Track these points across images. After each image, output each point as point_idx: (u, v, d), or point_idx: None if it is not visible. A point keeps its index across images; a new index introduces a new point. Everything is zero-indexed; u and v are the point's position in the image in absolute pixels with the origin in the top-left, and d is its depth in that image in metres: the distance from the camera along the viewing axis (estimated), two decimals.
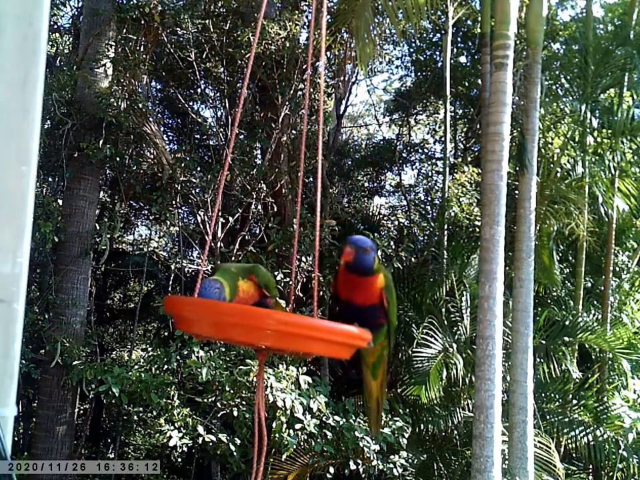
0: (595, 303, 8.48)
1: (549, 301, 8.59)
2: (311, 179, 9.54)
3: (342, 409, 6.49)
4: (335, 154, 11.06)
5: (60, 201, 7.73)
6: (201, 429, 6.21)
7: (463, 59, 12.06)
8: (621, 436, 6.70)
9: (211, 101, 8.99)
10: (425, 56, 12.31)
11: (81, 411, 9.98)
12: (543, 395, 7.30)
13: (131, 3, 7.81)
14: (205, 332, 1.52)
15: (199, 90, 8.94)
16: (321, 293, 7.68)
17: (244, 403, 6.26)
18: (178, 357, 6.37)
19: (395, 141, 13.13)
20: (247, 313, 1.43)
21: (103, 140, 7.38)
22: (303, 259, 7.57)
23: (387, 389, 8.43)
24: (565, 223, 7.44)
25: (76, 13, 10.45)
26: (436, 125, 13.66)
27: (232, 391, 6.17)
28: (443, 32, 10.22)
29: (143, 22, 7.40)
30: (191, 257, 10.02)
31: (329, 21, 7.48)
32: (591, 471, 7.71)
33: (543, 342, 7.16)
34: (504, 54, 5.54)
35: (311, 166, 8.42)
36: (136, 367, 7.07)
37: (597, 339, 7.25)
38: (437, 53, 11.94)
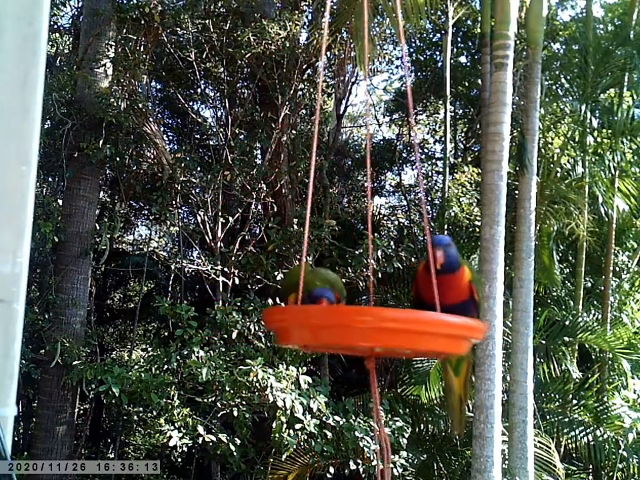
0: (595, 303, 8.48)
1: (549, 301, 8.59)
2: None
3: (342, 408, 6.49)
4: (335, 154, 11.05)
5: (60, 201, 7.73)
6: (201, 429, 6.21)
7: (463, 59, 12.06)
8: (620, 436, 6.70)
9: (210, 101, 8.99)
10: (425, 56, 12.31)
11: (81, 411, 9.98)
12: (543, 394, 7.30)
13: (131, 2, 7.81)
14: (308, 341, 1.41)
15: (198, 90, 8.94)
16: None
17: (244, 402, 6.26)
18: (178, 357, 6.37)
19: (395, 141, 13.13)
20: (335, 312, 1.35)
21: (103, 140, 7.38)
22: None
23: (387, 388, 8.45)
24: (565, 222, 7.44)
25: (76, 13, 10.46)
26: (436, 124, 13.66)
27: (232, 391, 6.16)
28: (443, 32, 10.22)
29: (142, 22, 7.40)
30: (191, 257, 10.01)
31: (329, 20, 7.47)
32: (590, 470, 7.71)
33: (543, 342, 7.16)
34: (504, 54, 5.54)
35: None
36: (136, 366, 7.07)
37: (597, 339, 7.26)
38: (437, 53, 11.95)
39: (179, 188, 7.74)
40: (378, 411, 1.80)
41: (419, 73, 12.49)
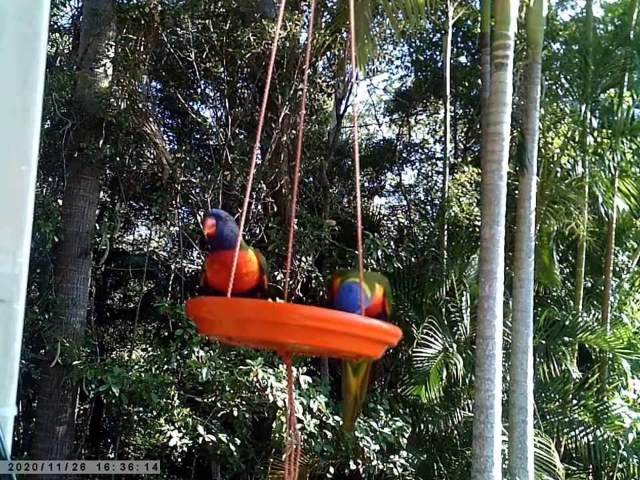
0: (595, 303, 8.48)
1: (549, 301, 8.59)
2: (311, 178, 9.53)
3: (342, 408, 6.49)
4: (335, 154, 11.05)
5: (60, 201, 7.73)
6: (201, 429, 6.21)
7: (463, 59, 12.06)
8: (620, 436, 6.70)
9: (210, 101, 8.99)
10: (425, 56, 12.31)
11: (81, 411, 9.98)
12: (543, 394, 7.30)
13: (131, 2, 7.82)
14: (227, 332, 1.41)
15: (198, 90, 8.95)
16: (321, 292, 7.68)
17: (244, 402, 6.26)
18: (178, 357, 6.37)
19: (395, 141, 13.13)
20: (269, 308, 1.36)
21: (103, 140, 7.38)
22: (303, 259, 7.57)
23: (387, 388, 8.44)
24: (565, 222, 7.44)
25: (76, 13, 10.45)
26: (436, 124, 13.66)
27: (232, 391, 6.17)
28: (442, 32, 10.22)
29: (143, 22, 7.41)
30: (191, 257, 10.03)
31: (329, 20, 7.48)
32: (590, 470, 7.71)
33: (543, 342, 7.16)
34: (504, 54, 5.54)
35: (311, 166, 8.42)
36: (136, 366, 7.07)
37: (597, 339, 7.25)
38: (437, 53, 11.94)
39: (179, 188, 7.74)
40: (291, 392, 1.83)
41: (419, 73, 12.49)
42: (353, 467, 6.21)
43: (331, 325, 1.28)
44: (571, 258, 9.14)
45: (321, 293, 7.57)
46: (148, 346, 11.66)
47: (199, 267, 7.69)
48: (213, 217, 1.71)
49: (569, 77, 7.85)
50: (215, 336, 1.51)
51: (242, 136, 8.13)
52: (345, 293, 1.67)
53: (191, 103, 9.31)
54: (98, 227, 7.82)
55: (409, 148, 12.97)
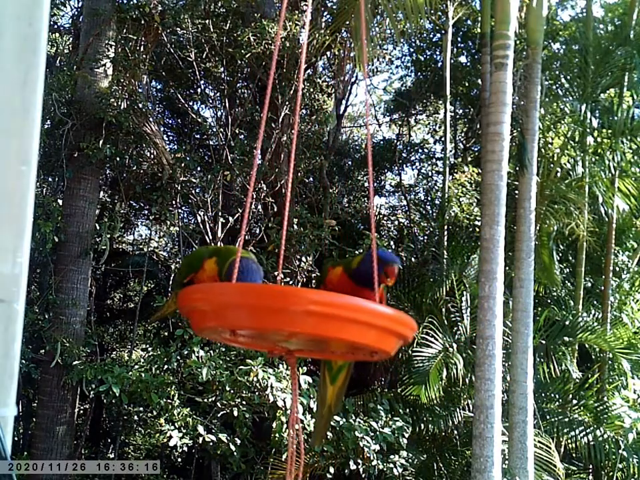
0: (595, 303, 8.48)
1: (549, 301, 8.59)
2: (311, 178, 9.53)
3: (342, 408, 6.49)
4: (335, 154, 11.06)
5: (60, 201, 7.72)
6: (201, 429, 6.22)
7: (463, 59, 12.06)
8: (620, 436, 6.70)
9: (210, 101, 8.99)
10: (425, 56, 12.31)
11: (81, 411, 9.98)
12: (543, 394, 7.30)
13: (131, 2, 7.82)
14: (225, 323, 1.23)
15: (198, 90, 8.95)
16: None
17: (244, 402, 6.26)
18: (178, 357, 6.37)
19: (395, 141, 13.13)
20: (273, 292, 1.22)
21: (102, 140, 7.38)
22: (303, 259, 7.57)
23: (387, 388, 8.44)
24: (564, 222, 7.44)
25: (76, 13, 10.45)
26: (436, 125, 13.66)
27: (232, 391, 6.17)
28: (443, 32, 10.22)
29: (143, 22, 7.41)
30: None
31: (329, 20, 7.48)
32: (590, 470, 7.71)
33: (543, 342, 7.16)
34: (504, 54, 5.54)
35: (311, 166, 8.42)
36: (136, 366, 7.07)
37: (597, 339, 7.25)
38: (437, 52, 11.94)
39: (179, 188, 7.74)
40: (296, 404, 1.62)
41: (419, 73, 12.49)
42: (353, 466, 6.21)
43: (342, 311, 1.14)
44: (571, 258, 9.14)
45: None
46: (148, 346, 11.66)
47: None
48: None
49: (569, 77, 7.85)
50: (212, 332, 1.33)
51: (242, 136, 8.13)
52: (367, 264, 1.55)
53: (191, 103, 9.31)
54: (98, 227, 7.82)
55: (408, 148, 12.97)
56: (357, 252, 7.30)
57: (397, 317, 1.23)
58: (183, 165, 7.67)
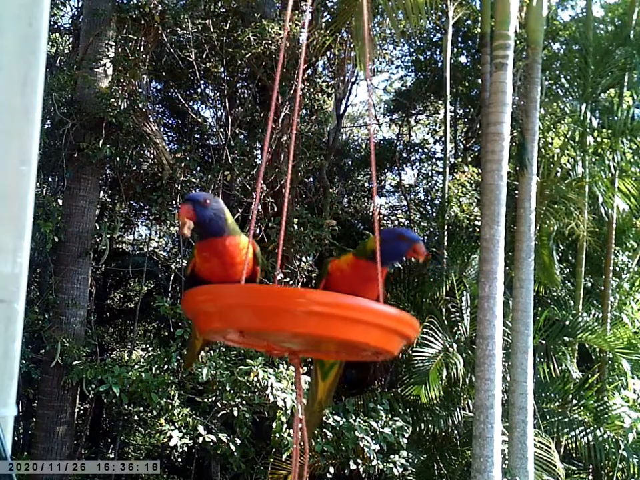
0: (595, 303, 8.48)
1: (549, 301, 8.59)
2: (311, 178, 9.53)
3: (342, 408, 6.50)
4: (335, 154, 11.05)
5: (60, 201, 7.72)
6: (201, 429, 6.22)
7: (463, 59, 12.07)
8: (620, 436, 6.70)
9: (210, 101, 8.99)
10: (425, 56, 12.32)
11: (81, 411, 9.97)
12: (543, 394, 7.29)
13: (131, 2, 7.82)
14: (230, 324, 1.24)
15: (199, 90, 8.94)
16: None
17: (244, 402, 6.26)
18: (178, 357, 6.37)
19: (395, 141, 13.13)
20: (276, 293, 1.22)
21: (102, 140, 7.38)
22: (303, 259, 7.57)
23: (387, 388, 8.44)
24: (564, 222, 7.44)
25: (76, 13, 10.45)
26: (436, 125, 13.66)
27: (232, 391, 6.17)
28: (443, 32, 10.22)
29: (143, 22, 7.41)
30: None
31: (329, 20, 7.48)
32: (590, 470, 7.71)
33: (543, 342, 7.16)
34: (504, 54, 5.54)
35: (311, 166, 8.42)
36: (136, 366, 7.07)
37: (597, 339, 7.25)
38: (437, 52, 11.95)
39: (179, 188, 7.74)
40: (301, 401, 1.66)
41: (419, 73, 12.49)
42: (353, 466, 6.20)
43: (345, 312, 1.15)
44: (571, 258, 9.14)
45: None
46: (148, 346, 11.67)
47: None
48: (190, 202, 1.51)
49: (569, 77, 7.85)
50: (216, 333, 1.33)
51: (242, 136, 8.13)
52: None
53: (190, 103, 9.31)
54: (98, 227, 7.82)
55: (408, 148, 12.97)
56: None
57: (400, 316, 1.25)
58: (183, 165, 7.67)
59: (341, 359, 1.77)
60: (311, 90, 8.13)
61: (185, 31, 7.92)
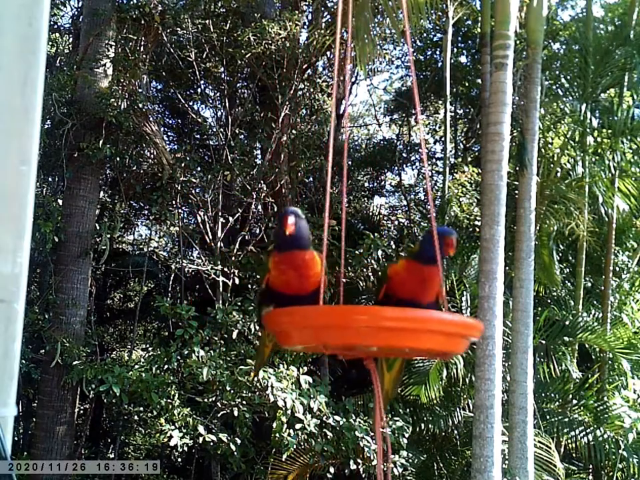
0: (595, 303, 8.48)
1: (549, 301, 8.59)
2: (311, 178, 9.53)
3: (342, 408, 6.49)
4: (335, 154, 11.04)
5: (60, 201, 7.73)
6: (201, 429, 6.21)
7: (463, 59, 12.07)
8: (620, 436, 6.70)
9: (210, 101, 8.99)
10: (425, 56, 12.32)
11: (81, 411, 9.97)
12: (543, 394, 7.29)
13: (131, 2, 7.82)
14: (308, 342, 1.37)
15: (199, 90, 8.94)
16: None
17: (244, 402, 6.26)
18: (178, 357, 6.37)
19: (395, 141, 13.13)
20: (356, 312, 1.31)
21: (102, 140, 7.38)
22: None
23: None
24: (564, 222, 7.44)
25: (76, 13, 10.46)
26: (436, 125, 13.66)
27: (232, 391, 6.17)
28: (443, 32, 10.22)
29: (143, 22, 7.41)
30: (191, 257, 10.00)
31: (329, 20, 7.48)
32: (590, 470, 7.71)
33: (543, 342, 7.16)
34: (504, 54, 5.54)
35: (311, 166, 8.42)
36: (136, 366, 7.07)
37: (597, 339, 7.25)
38: (437, 52, 11.95)
39: (179, 188, 7.74)
40: (380, 411, 1.73)
41: (419, 73, 12.49)
42: (353, 466, 6.20)
43: (413, 324, 1.26)
44: (571, 258, 9.14)
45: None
46: (148, 346, 11.67)
47: (199, 267, 7.68)
48: (294, 215, 1.59)
49: (569, 77, 7.85)
50: (299, 346, 1.47)
51: (242, 136, 8.13)
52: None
53: (190, 103, 9.31)
54: (98, 227, 7.82)
55: (409, 148, 12.97)
56: (356, 252, 7.30)
57: (464, 322, 1.39)
58: (183, 165, 7.67)
59: (409, 357, 1.94)
60: (311, 90, 8.14)
61: (185, 31, 7.92)
